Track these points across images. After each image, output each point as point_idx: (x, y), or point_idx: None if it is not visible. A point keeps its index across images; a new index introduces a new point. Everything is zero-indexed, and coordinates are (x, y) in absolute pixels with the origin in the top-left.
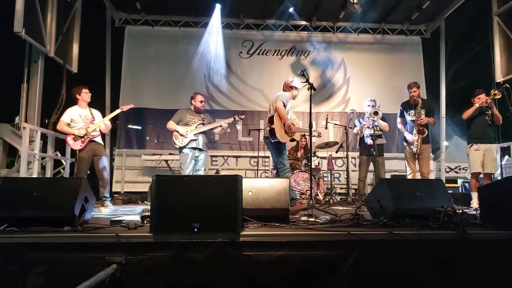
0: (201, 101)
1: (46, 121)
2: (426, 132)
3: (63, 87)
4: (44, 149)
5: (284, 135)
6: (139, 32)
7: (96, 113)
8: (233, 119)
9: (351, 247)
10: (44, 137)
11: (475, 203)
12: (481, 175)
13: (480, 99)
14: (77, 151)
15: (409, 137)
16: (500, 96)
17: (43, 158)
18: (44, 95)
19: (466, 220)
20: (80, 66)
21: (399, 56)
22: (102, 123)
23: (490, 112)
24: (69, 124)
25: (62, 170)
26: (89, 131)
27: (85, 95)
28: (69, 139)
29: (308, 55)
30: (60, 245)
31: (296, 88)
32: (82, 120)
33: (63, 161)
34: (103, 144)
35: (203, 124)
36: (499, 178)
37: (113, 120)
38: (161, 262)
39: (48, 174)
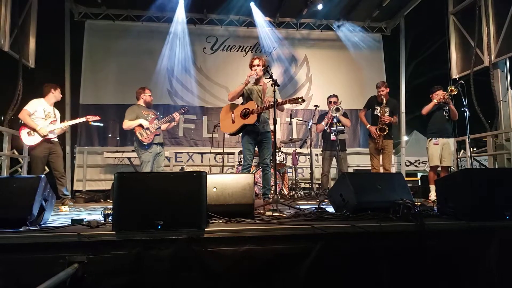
0: (150, 95)
1: (2, 118)
2: (387, 131)
3: (19, 83)
4: None
5: (229, 125)
6: (100, 27)
7: (57, 113)
8: (182, 110)
9: (315, 240)
10: None
11: (433, 195)
12: (439, 169)
13: (438, 95)
14: (29, 150)
15: (372, 129)
16: (456, 93)
17: None
18: None
19: (424, 212)
20: (38, 61)
21: (361, 53)
22: (62, 126)
23: (447, 107)
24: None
25: (19, 169)
26: (48, 130)
27: (58, 94)
28: (23, 132)
29: (272, 51)
30: (18, 246)
31: (254, 64)
32: (44, 116)
33: (20, 159)
34: (58, 141)
35: (157, 119)
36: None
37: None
38: (124, 260)
39: (5, 173)
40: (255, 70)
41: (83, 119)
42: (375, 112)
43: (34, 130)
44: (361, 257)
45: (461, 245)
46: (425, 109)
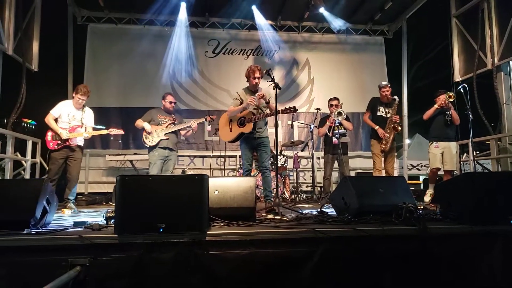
0: (170, 102)
1: (5, 121)
2: (400, 129)
3: (22, 86)
4: (3, 149)
5: (227, 134)
6: (103, 30)
7: (88, 115)
8: (204, 119)
9: (317, 244)
10: (2, 138)
11: (428, 196)
12: (442, 172)
13: (440, 100)
14: (50, 151)
15: (380, 131)
16: (453, 99)
17: (2, 159)
18: (3, 94)
19: (427, 216)
20: (41, 64)
21: (363, 56)
22: (84, 134)
23: (449, 112)
24: (56, 119)
25: (22, 172)
26: (69, 136)
27: (77, 99)
28: (49, 134)
29: (273, 54)
30: (20, 248)
31: (256, 77)
32: (69, 120)
33: (23, 162)
34: (82, 146)
35: (173, 124)
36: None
37: None
38: (126, 263)
39: (8, 175)
40: (254, 99)
41: (105, 131)
42: (378, 113)
43: (56, 133)
44: (364, 261)
45: (464, 249)
46: (426, 114)
